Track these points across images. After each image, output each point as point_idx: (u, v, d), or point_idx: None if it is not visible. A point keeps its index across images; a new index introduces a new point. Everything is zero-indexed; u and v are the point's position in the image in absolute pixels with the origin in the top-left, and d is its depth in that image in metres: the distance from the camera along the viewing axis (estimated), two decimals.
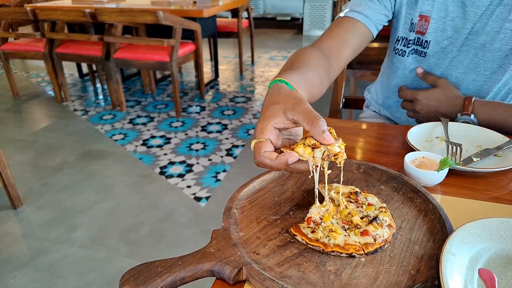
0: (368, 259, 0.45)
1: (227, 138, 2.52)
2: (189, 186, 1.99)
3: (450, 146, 0.66)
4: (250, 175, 0.59)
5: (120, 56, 2.74)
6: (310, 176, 0.49)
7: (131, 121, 2.81)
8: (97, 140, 2.54)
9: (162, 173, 2.13)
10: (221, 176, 2.08)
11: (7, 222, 1.73)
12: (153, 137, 2.56)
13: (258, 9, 6.09)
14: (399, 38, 0.90)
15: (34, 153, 2.36)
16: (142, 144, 2.45)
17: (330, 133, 0.48)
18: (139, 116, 2.89)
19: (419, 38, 0.86)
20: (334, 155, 0.46)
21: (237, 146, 2.41)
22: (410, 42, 0.88)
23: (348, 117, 2.07)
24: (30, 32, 3.18)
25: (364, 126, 0.86)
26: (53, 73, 3.05)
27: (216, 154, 2.32)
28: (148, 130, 2.66)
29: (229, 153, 2.33)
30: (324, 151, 0.46)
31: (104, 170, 2.18)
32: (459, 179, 0.62)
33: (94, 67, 3.59)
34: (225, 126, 2.70)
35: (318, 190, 0.57)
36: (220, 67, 4.14)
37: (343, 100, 1.42)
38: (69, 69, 4.10)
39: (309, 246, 0.46)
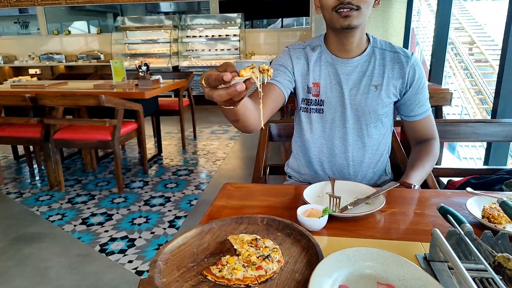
0: (260, 287, 0.59)
1: (170, 210, 2.58)
2: (130, 261, 1.99)
3: (331, 198, 0.86)
4: None
5: (60, 136, 2.80)
6: (257, 84, 0.66)
7: (70, 201, 2.77)
8: (32, 222, 2.46)
9: (102, 250, 2.10)
10: None
11: None
12: (93, 214, 2.54)
13: (199, 87, 6.53)
14: (302, 100, 1.18)
15: None
16: (81, 223, 2.42)
17: (253, 67, 0.65)
18: (78, 195, 2.86)
19: (316, 99, 1.15)
20: (266, 70, 0.65)
21: (180, 217, 2.48)
22: (310, 101, 1.16)
23: (282, 182, 2.27)
24: None
25: (275, 188, 1.04)
26: None
27: (159, 226, 2.36)
28: (89, 208, 2.64)
29: (171, 224, 2.38)
30: (259, 67, 0.65)
31: (40, 253, 2.10)
32: (339, 223, 0.81)
33: (31, 147, 3.54)
34: (168, 199, 2.77)
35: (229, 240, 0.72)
36: (164, 142, 4.29)
37: (268, 168, 1.63)
38: (3, 151, 3.98)
39: (217, 282, 0.60)
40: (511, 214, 0.65)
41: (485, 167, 1.70)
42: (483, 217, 0.79)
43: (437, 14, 3.51)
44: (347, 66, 1.12)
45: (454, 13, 10.19)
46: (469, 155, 5.78)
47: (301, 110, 1.20)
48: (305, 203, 0.87)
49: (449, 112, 7.41)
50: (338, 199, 0.85)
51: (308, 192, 0.92)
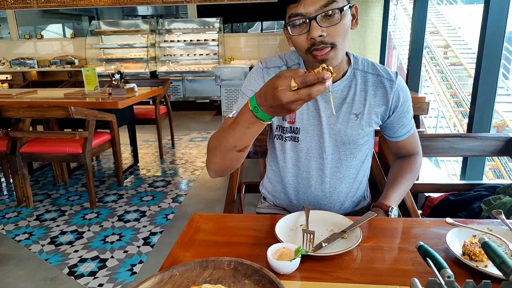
0: None
1: (144, 226, 2.48)
2: (101, 285, 1.88)
3: (305, 234, 0.80)
4: None
5: (28, 150, 2.65)
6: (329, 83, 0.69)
7: (38, 218, 2.62)
8: None
9: (71, 273, 1.99)
10: (137, 268, 2.01)
11: None
12: (63, 233, 2.41)
13: (178, 93, 6.41)
14: (277, 127, 1.09)
15: None
16: (49, 243, 2.29)
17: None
18: (48, 211, 2.72)
19: (290, 126, 1.06)
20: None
21: (155, 234, 2.38)
22: (285, 129, 1.07)
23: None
24: None
25: (246, 219, 0.98)
26: None
27: (133, 244, 2.26)
28: (58, 225, 2.50)
29: (146, 241, 2.28)
30: (327, 67, 0.71)
31: (3, 277, 1.96)
32: (313, 263, 0.75)
33: None
34: (143, 213, 2.66)
35: None
36: (141, 151, 4.17)
37: (244, 186, 1.56)
38: None
39: None
40: (494, 258, 0.61)
41: (463, 182, 1.68)
42: (463, 253, 0.74)
43: (412, 22, 3.53)
44: (326, 91, 1.02)
45: (429, 18, 10.42)
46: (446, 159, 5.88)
47: (275, 138, 1.11)
48: (277, 240, 0.81)
49: (425, 115, 7.54)
50: (312, 235, 0.79)
51: (281, 225, 0.86)
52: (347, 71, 1.03)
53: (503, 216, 0.85)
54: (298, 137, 1.07)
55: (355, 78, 1.03)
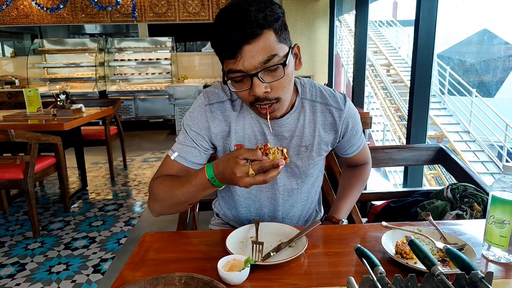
0: None
1: (94, 253, 2.36)
2: None
3: (254, 245, 0.83)
4: None
5: None
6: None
7: None
8: None
9: None
10: None
11: None
12: (2, 266, 2.23)
13: (130, 113, 6.25)
14: None
15: None
16: None
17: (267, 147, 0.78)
18: None
19: None
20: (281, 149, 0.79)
21: (106, 260, 2.27)
22: None
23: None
24: None
25: (198, 235, 0.99)
26: None
27: (81, 273, 2.14)
28: None
29: (96, 269, 2.17)
30: (275, 148, 0.79)
31: None
32: (262, 272, 0.78)
33: None
34: (92, 239, 2.54)
35: None
36: (90, 174, 3.98)
37: (198, 204, 1.57)
38: None
39: None
40: (418, 254, 0.68)
41: (403, 189, 1.82)
42: (396, 252, 0.82)
43: (355, 44, 3.80)
44: (274, 126, 0.98)
45: (372, 38, 11.18)
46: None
47: None
48: (227, 252, 0.83)
49: (373, 130, 8.01)
50: (261, 246, 0.83)
51: (232, 238, 0.89)
52: (295, 102, 0.99)
53: (430, 218, 0.94)
54: None
55: (304, 109, 1.00)
